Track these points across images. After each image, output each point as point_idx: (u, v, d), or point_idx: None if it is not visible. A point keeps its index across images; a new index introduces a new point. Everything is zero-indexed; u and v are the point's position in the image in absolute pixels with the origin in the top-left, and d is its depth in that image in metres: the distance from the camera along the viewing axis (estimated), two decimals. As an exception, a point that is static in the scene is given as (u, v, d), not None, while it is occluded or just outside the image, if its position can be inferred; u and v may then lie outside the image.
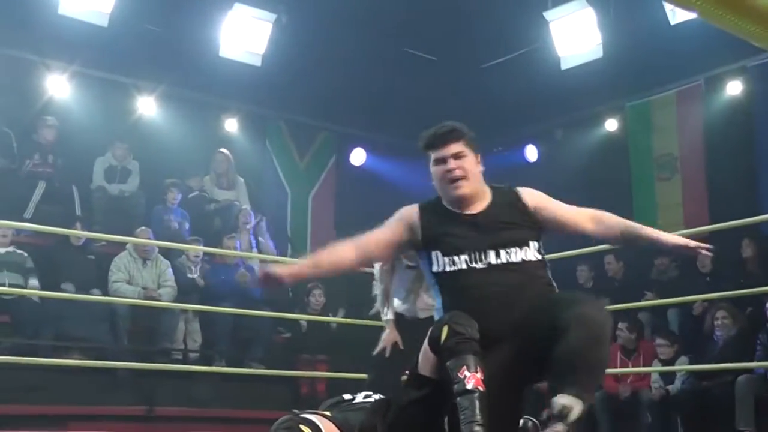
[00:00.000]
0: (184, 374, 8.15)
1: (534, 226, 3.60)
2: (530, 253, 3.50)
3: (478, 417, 3.00)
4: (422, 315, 5.47)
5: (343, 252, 3.67)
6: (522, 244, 3.50)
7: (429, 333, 3.30)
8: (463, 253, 3.48)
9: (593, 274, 9.89)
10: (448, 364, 3.13)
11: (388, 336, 5.58)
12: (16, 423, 6.68)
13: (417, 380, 3.37)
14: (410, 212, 3.70)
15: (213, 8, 9.86)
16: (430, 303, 5.43)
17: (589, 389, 3.12)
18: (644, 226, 3.76)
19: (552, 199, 3.75)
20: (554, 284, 3.59)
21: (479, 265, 3.45)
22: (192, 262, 9.15)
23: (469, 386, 3.04)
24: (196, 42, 10.06)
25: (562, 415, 2.97)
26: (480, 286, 3.43)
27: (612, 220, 3.71)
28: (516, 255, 3.46)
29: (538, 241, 3.58)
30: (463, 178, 3.57)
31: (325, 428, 3.22)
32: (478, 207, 3.62)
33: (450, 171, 3.57)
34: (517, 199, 3.66)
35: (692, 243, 3.70)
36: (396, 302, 5.63)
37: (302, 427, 3.19)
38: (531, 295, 3.40)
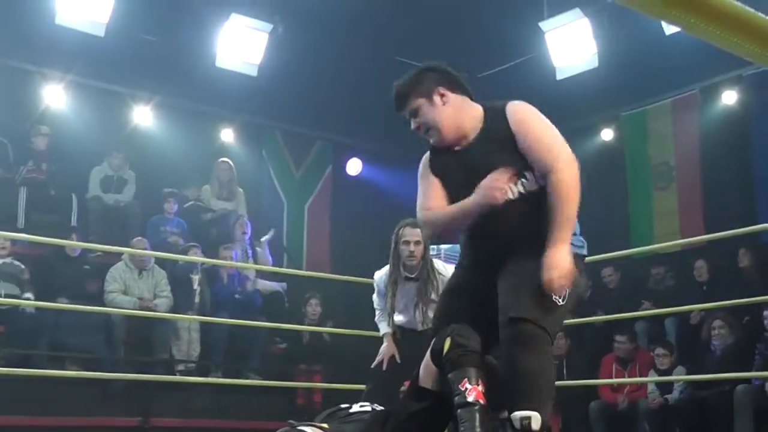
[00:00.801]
0: (180, 385, 8.13)
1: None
2: (527, 184, 3.39)
3: (478, 429, 3.00)
4: (420, 327, 5.48)
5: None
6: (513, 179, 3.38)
7: (431, 345, 3.29)
8: (453, 200, 3.50)
9: (590, 284, 9.89)
10: (450, 375, 3.13)
11: (387, 349, 5.61)
12: (9, 435, 6.68)
13: (417, 393, 3.35)
14: (425, 157, 3.70)
15: (209, 18, 9.84)
16: (429, 316, 5.44)
17: (535, 399, 3.16)
18: (556, 233, 3.33)
19: (533, 124, 3.48)
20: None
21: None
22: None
23: (470, 399, 3.06)
24: (192, 52, 10.05)
25: (524, 426, 3.07)
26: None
27: (551, 205, 3.34)
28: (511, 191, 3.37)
29: (533, 171, 3.42)
30: (428, 130, 3.55)
31: None
32: (466, 140, 3.55)
33: (416, 130, 3.59)
34: (505, 125, 3.47)
35: None
36: (395, 314, 5.64)
37: None
38: (520, 231, 3.38)
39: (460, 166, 3.51)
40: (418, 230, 5.09)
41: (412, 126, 3.60)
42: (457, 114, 3.54)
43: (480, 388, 3.07)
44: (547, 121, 3.52)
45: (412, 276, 5.49)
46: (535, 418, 3.09)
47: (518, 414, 3.10)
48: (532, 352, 3.13)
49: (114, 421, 7.62)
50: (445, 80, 3.58)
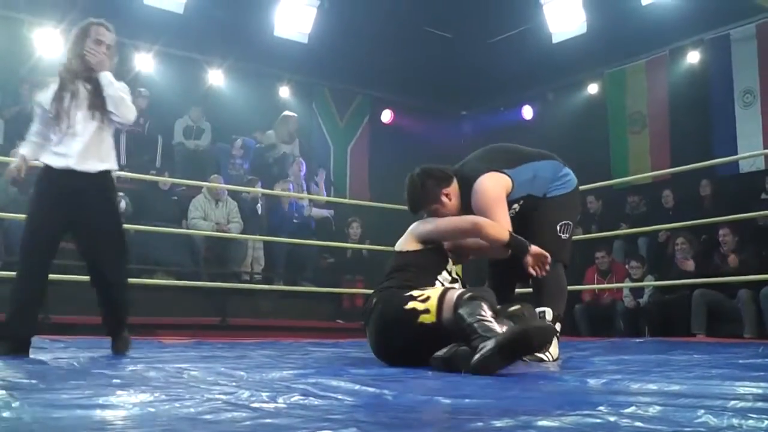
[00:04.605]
0: (250, 291, 8.22)
1: None
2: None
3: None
4: None
5: None
6: None
7: None
8: None
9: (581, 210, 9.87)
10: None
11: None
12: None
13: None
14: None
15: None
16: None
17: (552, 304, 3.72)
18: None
19: (477, 200, 3.64)
20: None
21: None
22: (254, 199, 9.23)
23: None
24: (254, 24, 10.03)
25: (541, 317, 3.63)
26: None
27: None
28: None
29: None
30: None
31: None
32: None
33: None
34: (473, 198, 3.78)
35: None
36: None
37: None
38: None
39: None
40: (113, 35, 4.13)
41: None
42: (457, 198, 3.62)
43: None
44: (491, 194, 3.58)
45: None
46: (548, 313, 3.67)
47: (537, 309, 3.62)
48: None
49: (201, 320, 7.63)
50: (442, 180, 3.60)
